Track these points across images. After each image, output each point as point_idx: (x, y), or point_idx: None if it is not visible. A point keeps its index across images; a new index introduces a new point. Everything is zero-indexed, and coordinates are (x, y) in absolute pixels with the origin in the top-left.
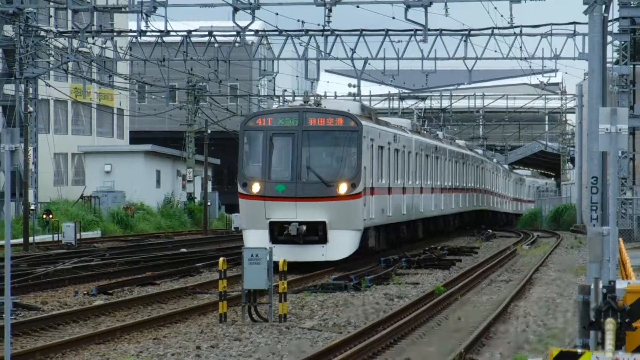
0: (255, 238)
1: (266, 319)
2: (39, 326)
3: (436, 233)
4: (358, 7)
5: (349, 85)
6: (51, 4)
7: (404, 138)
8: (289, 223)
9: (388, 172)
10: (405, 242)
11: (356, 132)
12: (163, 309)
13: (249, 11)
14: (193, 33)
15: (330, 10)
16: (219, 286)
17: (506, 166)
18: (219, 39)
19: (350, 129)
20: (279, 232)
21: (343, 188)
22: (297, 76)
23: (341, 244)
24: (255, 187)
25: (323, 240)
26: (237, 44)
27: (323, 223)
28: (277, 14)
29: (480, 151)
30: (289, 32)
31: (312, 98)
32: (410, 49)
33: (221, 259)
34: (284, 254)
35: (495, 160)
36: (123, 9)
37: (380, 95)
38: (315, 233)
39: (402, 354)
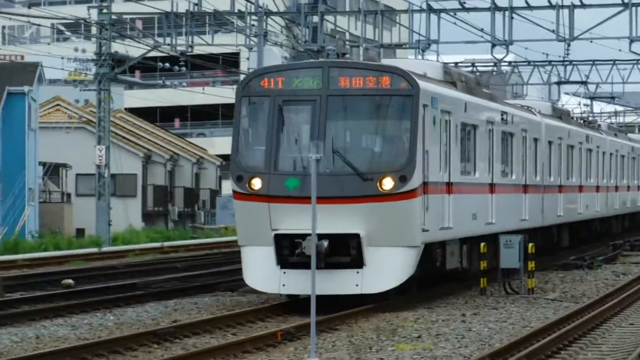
0: (258, 260)
1: (517, 292)
2: None
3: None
4: (591, 42)
5: (580, 104)
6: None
7: (522, 119)
8: (304, 237)
9: (487, 162)
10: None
11: (410, 97)
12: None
13: (504, 46)
14: (459, 64)
15: (569, 45)
16: (480, 265)
17: None
18: (480, 68)
19: (400, 93)
20: (290, 251)
21: (388, 183)
22: (542, 97)
23: (386, 269)
24: (256, 183)
25: (357, 263)
26: (494, 73)
27: (357, 236)
28: (526, 48)
29: None
30: (536, 63)
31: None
32: (634, 75)
33: (482, 244)
34: (297, 284)
35: None
36: (403, 46)
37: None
38: (346, 252)
39: (627, 320)
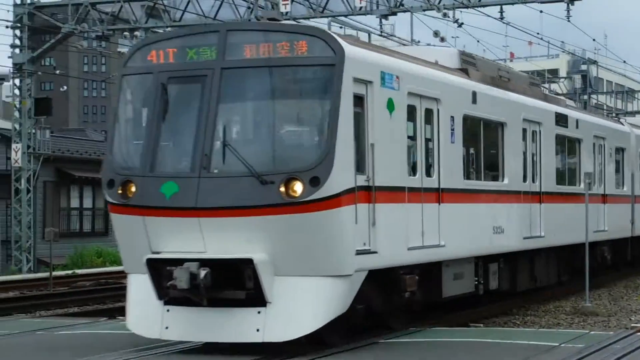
0: (138, 293)
1: None
2: None
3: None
4: None
5: None
6: None
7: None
8: (181, 262)
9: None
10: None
11: (330, 67)
12: None
13: None
14: None
15: None
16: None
17: None
18: None
19: (318, 62)
20: (168, 282)
21: (296, 188)
22: None
23: (298, 308)
24: (131, 189)
25: (258, 299)
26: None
27: (250, 262)
28: None
29: None
30: None
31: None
32: None
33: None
34: (184, 326)
35: None
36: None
37: None
38: (239, 284)
39: None
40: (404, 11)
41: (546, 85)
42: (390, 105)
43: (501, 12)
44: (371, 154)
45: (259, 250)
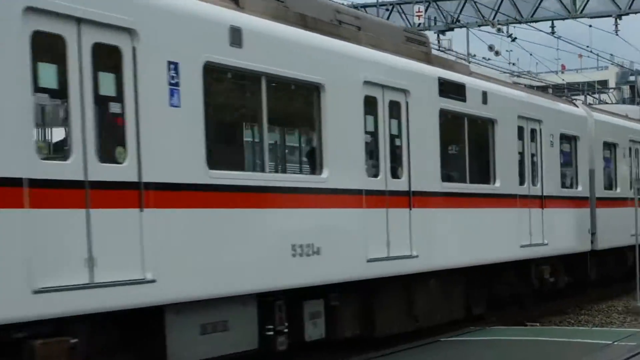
0: None
1: None
2: None
3: None
4: None
5: None
6: None
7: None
8: None
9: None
10: None
11: None
12: None
13: None
14: None
15: None
16: None
17: None
18: None
19: None
20: None
21: None
22: None
23: None
24: None
25: None
26: None
27: None
28: None
29: None
30: None
31: None
32: None
33: None
34: None
35: None
36: None
37: None
38: None
39: None
40: (460, 27)
41: (596, 95)
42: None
43: (552, 26)
44: None
45: None
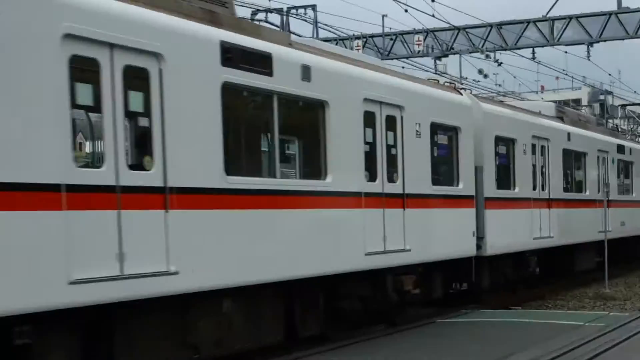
0: None
1: None
2: None
3: None
4: None
5: None
6: None
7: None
8: None
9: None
10: None
11: None
12: None
13: None
14: None
15: None
16: None
17: None
18: None
19: None
20: None
21: None
22: None
23: None
24: None
25: None
26: None
27: None
28: None
29: None
30: None
31: None
32: None
33: None
34: None
35: None
36: None
37: None
38: None
39: None
40: (454, 53)
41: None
42: None
43: (533, 53)
44: None
45: None
